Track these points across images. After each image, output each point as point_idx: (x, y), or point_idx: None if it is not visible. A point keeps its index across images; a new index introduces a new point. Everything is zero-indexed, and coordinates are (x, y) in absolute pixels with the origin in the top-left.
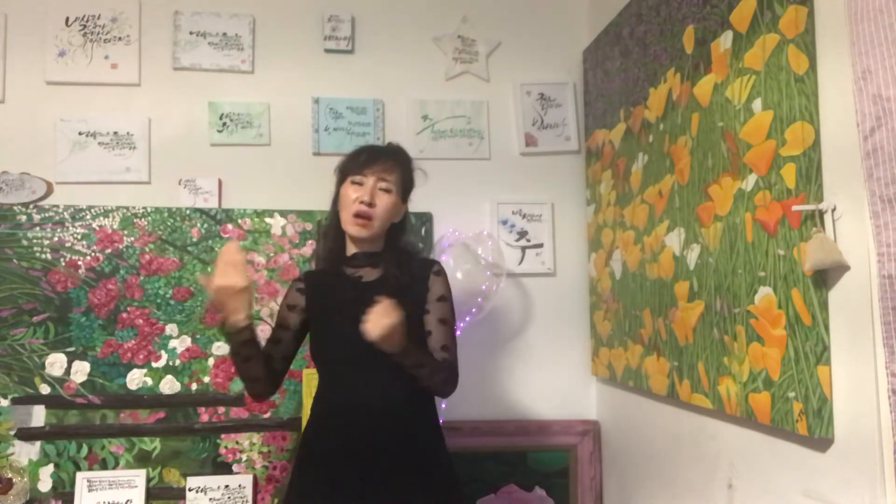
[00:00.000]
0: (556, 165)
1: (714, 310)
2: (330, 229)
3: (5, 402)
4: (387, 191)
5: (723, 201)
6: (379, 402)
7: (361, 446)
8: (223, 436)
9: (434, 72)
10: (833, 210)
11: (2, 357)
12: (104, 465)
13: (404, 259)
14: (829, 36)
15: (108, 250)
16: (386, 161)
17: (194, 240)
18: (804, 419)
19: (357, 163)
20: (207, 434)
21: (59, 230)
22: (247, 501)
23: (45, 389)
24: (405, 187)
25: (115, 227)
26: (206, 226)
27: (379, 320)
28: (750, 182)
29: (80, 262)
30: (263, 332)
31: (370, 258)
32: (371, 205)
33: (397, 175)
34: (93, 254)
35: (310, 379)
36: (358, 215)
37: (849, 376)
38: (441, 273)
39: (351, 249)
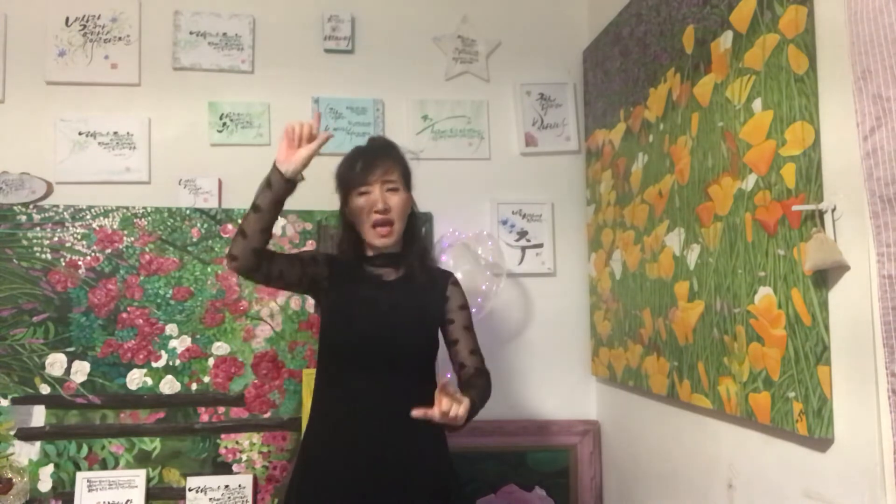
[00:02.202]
0: (556, 165)
1: (714, 310)
2: (344, 240)
3: (5, 402)
4: (395, 190)
5: (723, 201)
6: (385, 400)
7: (365, 444)
8: (223, 436)
9: (434, 72)
10: (833, 210)
11: (2, 357)
12: (104, 465)
13: (424, 259)
14: (829, 36)
15: (108, 250)
16: (384, 162)
17: (194, 240)
18: (804, 419)
19: (356, 173)
20: (207, 434)
21: (59, 230)
22: (247, 501)
23: (45, 389)
24: (407, 178)
25: (115, 227)
26: (206, 226)
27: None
28: (750, 182)
29: (80, 262)
30: (263, 331)
31: (391, 259)
32: (387, 210)
33: (398, 171)
34: (93, 254)
35: (310, 379)
36: (377, 224)
37: (849, 376)
38: (458, 284)
39: (370, 251)
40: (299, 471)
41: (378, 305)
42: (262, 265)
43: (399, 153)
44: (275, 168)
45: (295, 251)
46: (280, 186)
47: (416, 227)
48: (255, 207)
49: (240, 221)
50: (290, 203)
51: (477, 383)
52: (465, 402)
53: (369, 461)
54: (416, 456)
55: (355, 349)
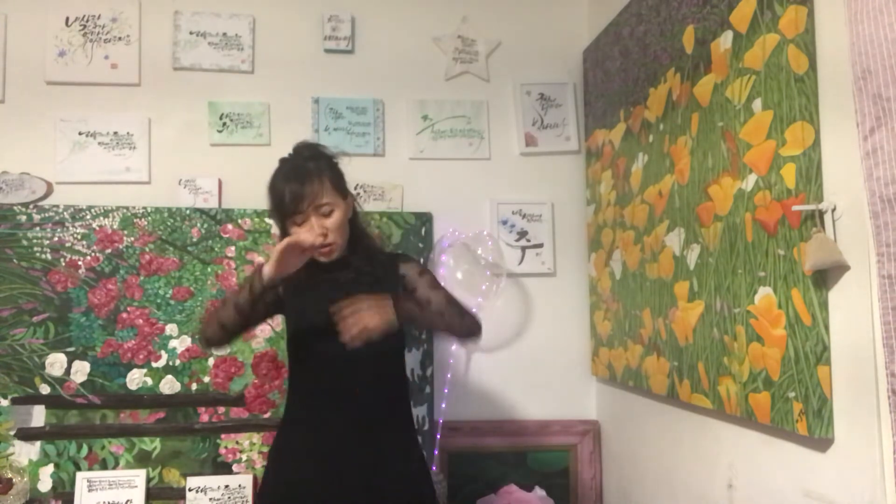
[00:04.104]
0: (556, 165)
1: (714, 310)
2: None
3: (5, 402)
4: (329, 212)
5: (723, 201)
6: (356, 399)
7: (337, 443)
8: (223, 436)
9: (434, 72)
10: (833, 210)
11: (2, 357)
12: (104, 465)
13: (372, 254)
14: (829, 36)
15: (108, 250)
16: (310, 185)
17: (194, 240)
18: (804, 419)
19: (286, 206)
20: (207, 434)
21: (59, 230)
22: (247, 501)
23: (45, 389)
24: (339, 188)
25: (115, 227)
26: (206, 226)
27: (357, 330)
28: (750, 182)
29: (80, 262)
30: (263, 331)
31: (342, 262)
32: (324, 236)
33: (327, 188)
34: (93, 254)
35: None
36: (318, 247)
37: (849, 376)
38: (410, 259)
39: (322, 259)
40: (272, 467)
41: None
42: (237, 337)
43: (326, 164)
44: (260, 275)
45: None
46: (261, 290)
47: (358, 227)
48: (236, 306)
49: (214, 311)
50: None
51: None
52: (363, 299)
53: (337, 465)
54: (385, 459)
55: (317, 352)
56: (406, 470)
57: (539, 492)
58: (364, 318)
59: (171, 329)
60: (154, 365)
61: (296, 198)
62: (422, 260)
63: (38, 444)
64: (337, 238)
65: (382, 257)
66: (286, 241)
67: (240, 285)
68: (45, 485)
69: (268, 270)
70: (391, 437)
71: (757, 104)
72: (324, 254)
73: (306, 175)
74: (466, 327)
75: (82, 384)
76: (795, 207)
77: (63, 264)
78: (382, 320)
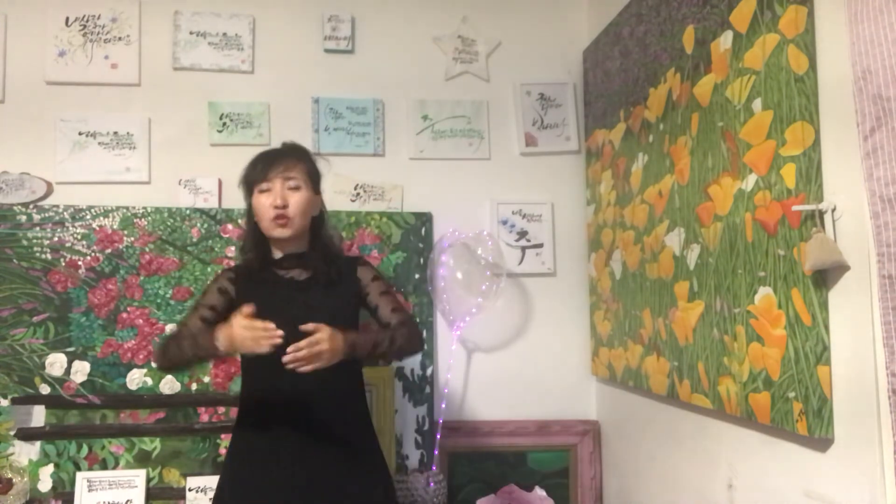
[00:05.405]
0: (556, 165)
1: (714, 310)
2: (249, 241)
3: (5, 402)
4: (296, 188)
5: (723, 201)
6: (312, 398)
7: (294, 440)
8: (223, 436)
9: (434, 72)
10: (833, 210)
11: (2, 357)
12: (104, 465)
13: (330, 256)
14: (829, 36)
15: (108, 250)
16: (286, 160)
17: (194, 240)
18: (804, 419)
19: (257, 171)
20: (207, 434)
21: (59, 230)
22: None
23: (45, 389)
24: (313, 179)
25: (115, 227)
26: (206, 226)
27: (314, 359)
28: (750, 182)
29: (80, 262)
30: None
31: (299, 259)
32: (285, 206)
33: (301, 169)
34: (93, 254)
35: None
36: (276, 218)
37: (849, 376)
38: (366, 262)
39: (278, 253)
40: (229, 466)
41: (292, 307)
42: None
43: (306, 155)
44: (214, 346)
45: (206, 301)
46: (212, 356)
47: (320, 228)
48: (182, 356)
49: (168, 344)
50: None
51: (396, 331)
52: (325, 332)
53: (299, 456)
54: (345, 448)
55: (274, 354)
56: (369, 471)
57: (539, 492)
58: (320, 356)
59: (171, 329)
60: (154, 365)
61: (269, 164)
62: (421, 260)
63: (38, 444)
64: (296, 215)
65: (341, 259)
66: (241, 325)
67: (189, 334)
68: (45, 485)
69: (223, 344)
70: (346, 440)
71: (757, 104)
72: (280, 224)
73: (285, 153)
74: (406, 346)
75: (82, 384)
76: (795, 207)
77: (63, 264)
78: (332, 358)
